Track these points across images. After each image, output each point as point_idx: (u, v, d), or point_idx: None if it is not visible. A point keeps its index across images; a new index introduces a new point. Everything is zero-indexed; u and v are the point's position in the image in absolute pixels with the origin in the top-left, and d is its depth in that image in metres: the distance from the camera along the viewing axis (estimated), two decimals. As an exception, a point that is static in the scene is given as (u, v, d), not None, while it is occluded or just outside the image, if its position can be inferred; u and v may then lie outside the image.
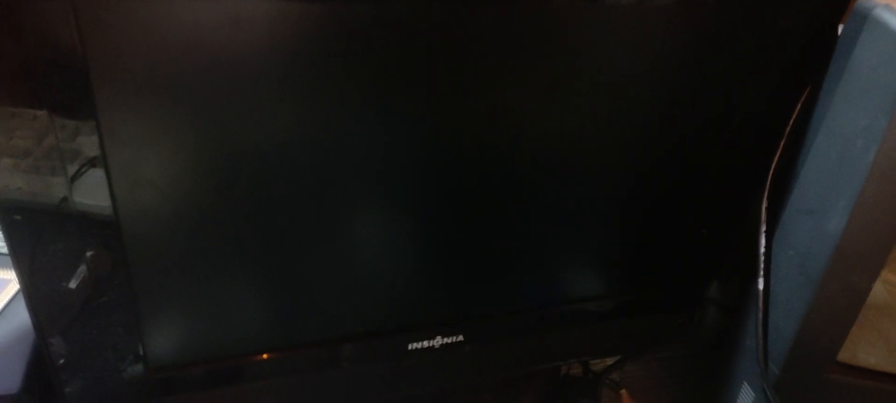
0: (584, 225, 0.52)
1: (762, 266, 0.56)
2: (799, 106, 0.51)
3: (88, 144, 0.36)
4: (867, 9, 0.46)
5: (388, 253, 0.47)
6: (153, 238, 0.40)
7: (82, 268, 0.39)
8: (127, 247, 0.40)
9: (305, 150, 0.41)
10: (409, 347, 0.53)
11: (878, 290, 0.52)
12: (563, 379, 0.72)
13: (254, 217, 0.42)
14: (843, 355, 0.55)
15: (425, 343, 0.53)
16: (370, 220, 0.45)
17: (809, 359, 0.55)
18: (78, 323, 0.41)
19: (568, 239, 0.52)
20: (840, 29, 0.49)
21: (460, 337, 0.54)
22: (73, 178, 0.36)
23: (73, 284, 0.39)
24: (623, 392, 0.71)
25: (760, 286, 0.56)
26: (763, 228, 0.55)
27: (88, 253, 0.39)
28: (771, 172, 0.53)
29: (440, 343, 0.53)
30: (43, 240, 0.37)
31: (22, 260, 0.37)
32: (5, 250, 0.37)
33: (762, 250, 0.55)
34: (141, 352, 0.44)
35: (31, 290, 0.39)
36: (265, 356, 0.48)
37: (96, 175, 0.37)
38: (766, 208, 0.54)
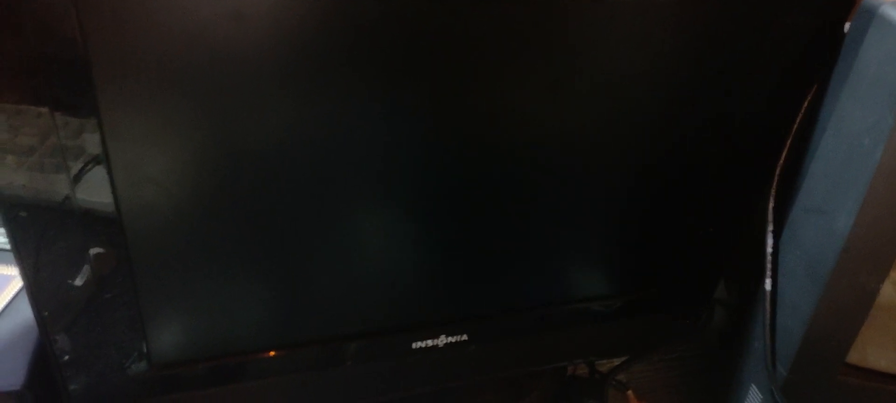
0: (588, 224, 0.52)
1: (769, 266, 0.55)
2: (805, 104, 0.50)
3: (91, 142, 0.36)
4: (874, 6, 0.46)
5: (392, 250, 0.47)
6: (156, 235, 0.40)
7: (86, 266, 0.39)
8: (130, 244, 0.40)
9: (308, 147, 0.41)
10: (413, 346, 0.52)
11: (888, 291, 0.52)
12: (569, 380, 0.71)
13: (257, 214, 0.42)
14: (853, 356, 0.55)
15: (429, 343, 0.53)
16: (373, 218, 0.45)
17: (818, 361, 0.54)
18: (81, 320, 0.41)
19: (573, 238, 0.52)
20: (847, 26, 0.48)
21: (464, 337, 0.54)
22: (77, 176, 0.36)
23: (76, 281, 0.39)
24: (629, 392, 0.71)
25: (768, 286, 0.55)
26: (770, 228, 0.55)
27: (92, 251, 0.39)
28: (777, 171, 0.53)
29: (444, 342, 0.53)
30: (46, 237, 0.37)
31: (25, 257, 0.37)
32: (8, 246, 0.37)
33: (769, 250, 0.55)
34: (144, 349, 0.44)
35: (35, 287, 0.39)
36: (268, 354, 0.48)
37: (99, 172, 0.37)
38: (773, 207, 0.54)
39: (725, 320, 0.70)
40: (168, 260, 0.41)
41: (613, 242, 0.54)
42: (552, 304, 0.56)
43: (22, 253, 0.37)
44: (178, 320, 0.44)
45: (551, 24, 0.41)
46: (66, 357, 0.42)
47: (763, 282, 0.56)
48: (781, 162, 0.52)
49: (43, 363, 0.44)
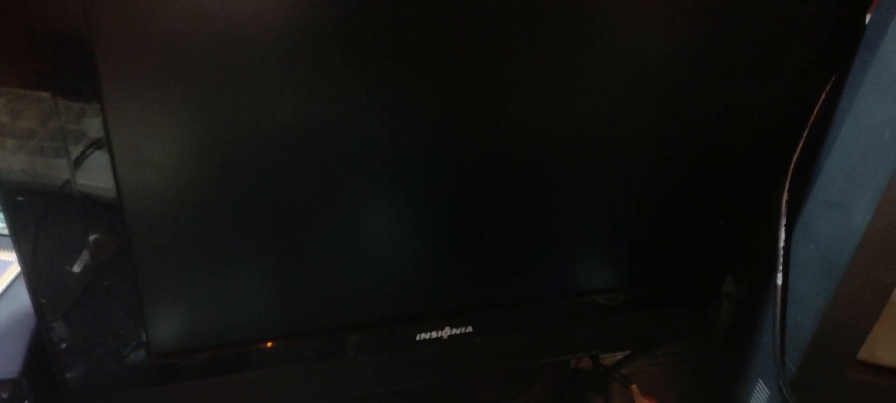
0: (597, 216, 0.51)
1: (781, 260, 0.55)
2: (823, 95, 0.50)
3: (93, 126, 0.35)
4: (896, -4, 0.45)
5: (397, 240, 0.47)
6: (157, 221, 0.40)
7: (85, 252, 0.39)
8: (130, 231, 0.39)
9: (313, 134, 0.40)
10: (418, 337, 0.52)
11: (901, 286, 0.51)
12: (573, 373, 0.71)
13: (260, 201, 0.41)
14: (863, 353, 0.54)
15: (434, 334, 0.52)
16: (378, 206, 0.45)
17: (828, 357, 0.54)
18: (80, 307, 0.40)
19: (580, 231, 0.52)
20: (868, 18, 0.47)
21: (469, 329, 0.53)
22: (78, 160, 0.36)
23: (75, 268, 0.39)
24: (633, 387, 0.70)
25: (779, 280, 0.55)
26: (783, 221, 0.54)
27: (91, 237, 0.39)
28: (793, 163, 0.52)
29: (449, 334, 0.53)
30: (45, 223, 0.37)
31: (24, 243, 0.37)
32: (6, 231, 0.36)
33: (782, 244, 0.54)
34: (143, 338, 0.43)
35: (33, 273, 0.38)
36: (270, 343, 0.48)
37: (100, 157, 0.36)
38: (787, 200, 0.53)
39: (732, 314, 0.69)
40: (169, 246, 0.41)
41: (623, 235, 0.53)
42: (558, 297, 0.55)
43: (20, 238, 0.37)
44: (178, 308, 0.44)
45: (566, 10, 0.40)
46: (64, 345, 0.41)
47: (774, 277, 0.55)
48: (797, 154, 0.52)
49: (40, 350, 0.44)
